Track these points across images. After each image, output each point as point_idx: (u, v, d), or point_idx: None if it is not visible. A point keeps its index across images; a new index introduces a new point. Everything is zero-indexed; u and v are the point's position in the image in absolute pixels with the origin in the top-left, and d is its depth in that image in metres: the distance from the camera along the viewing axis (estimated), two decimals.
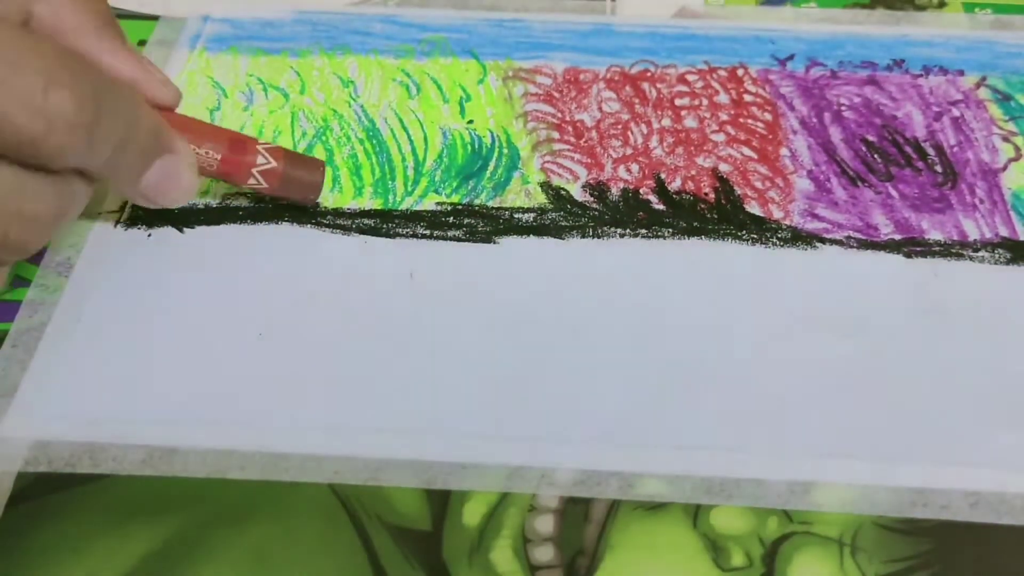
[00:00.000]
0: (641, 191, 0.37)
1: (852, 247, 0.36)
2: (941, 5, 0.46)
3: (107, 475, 0.29)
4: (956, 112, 0.41)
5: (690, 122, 0.40)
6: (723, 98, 0.41)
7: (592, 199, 0.37)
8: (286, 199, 0.36)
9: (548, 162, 0.39)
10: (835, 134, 0.40)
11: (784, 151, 0.39)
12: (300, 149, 0.39)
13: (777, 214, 0.37)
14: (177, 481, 0.29)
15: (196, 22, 0.45)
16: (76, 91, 0.26)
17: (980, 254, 0.36)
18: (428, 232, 0.36)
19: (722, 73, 0.42)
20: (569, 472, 0.30)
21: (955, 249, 0.36)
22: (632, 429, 0.30)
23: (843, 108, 0.41)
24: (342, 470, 0.30)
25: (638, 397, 0.31)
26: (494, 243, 0.36)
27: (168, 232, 0.36)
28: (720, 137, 0.40)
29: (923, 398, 0.31)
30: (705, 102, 0.41)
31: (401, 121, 0.40)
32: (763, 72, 0.42)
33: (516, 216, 0.37)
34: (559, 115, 0.41)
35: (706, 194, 0.37)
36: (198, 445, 0.30)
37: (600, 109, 0.41)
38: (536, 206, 0.37)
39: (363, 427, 0.30)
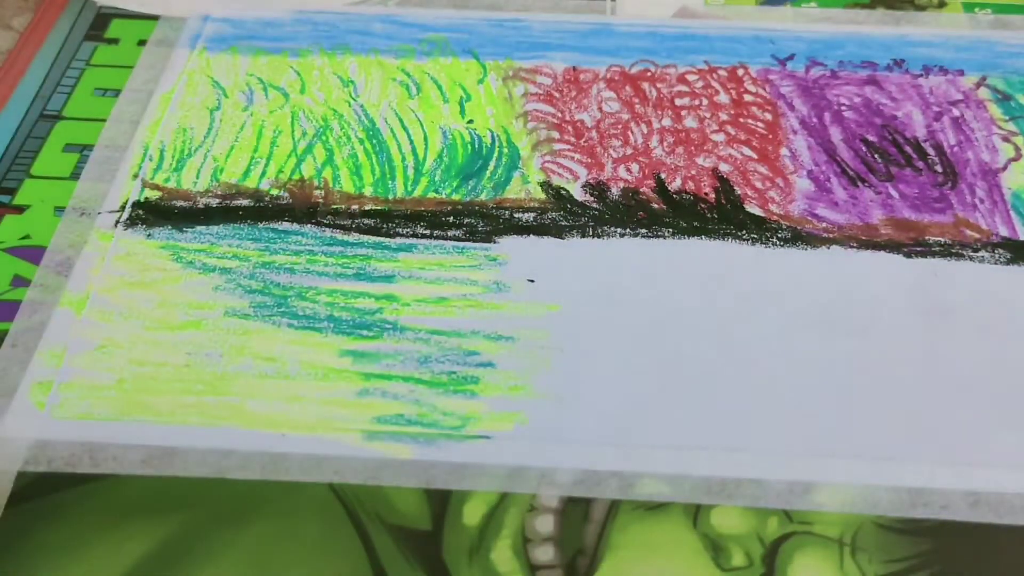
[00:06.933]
0: (641, 191, 0.37)
1: (852, 247, 0.36)
2: (941, 5, 0.46)
3: (107, 475, 0.29)
4: (956, 112, 0.41)
5: (690, 122, 0.40)
6: (723, 98, 0.41)
7: (592, 199, 0.37)
8: None
9: (548, 162, 0.39)
10: (835, 134, 0.40)
11: (784, 151, 0.39)
12: (300, 149, 0.39)
13: (777, 214, 0.37)
14: (177, 481, 0.29)
15: (196, 22, 0.45)
16: None
17: (980, 254, 0.36)
18: (428, 232, 0.36)
19: (722, 73, 0.42)
20: (569, 472, 0.30)
21: (955, 249, 0.36)
22: (632, 429, 0.30)
23: (843, 108, 0.41)
24: (342, 470, 0.30)
25: (638, 397, 0.31)
26: (494, 243, 0.36)
27: (168, 232, 0.36)
28: (720, 137, 0.40)
29: (923, 398, 0.31)
30: (705, 102, 0.41)
31: (401, 121, 0.40)
32: (763, 72, 0.42)
33: (516, 216, 0.37)
34: (559, 115, 0.41)
35: (706, 194, 0.37)
36: (198, 445, 0.30)
37: (600, 109, 0.41)
38: (536, 205, 0.37)
39: (361, 427, 0.30)
